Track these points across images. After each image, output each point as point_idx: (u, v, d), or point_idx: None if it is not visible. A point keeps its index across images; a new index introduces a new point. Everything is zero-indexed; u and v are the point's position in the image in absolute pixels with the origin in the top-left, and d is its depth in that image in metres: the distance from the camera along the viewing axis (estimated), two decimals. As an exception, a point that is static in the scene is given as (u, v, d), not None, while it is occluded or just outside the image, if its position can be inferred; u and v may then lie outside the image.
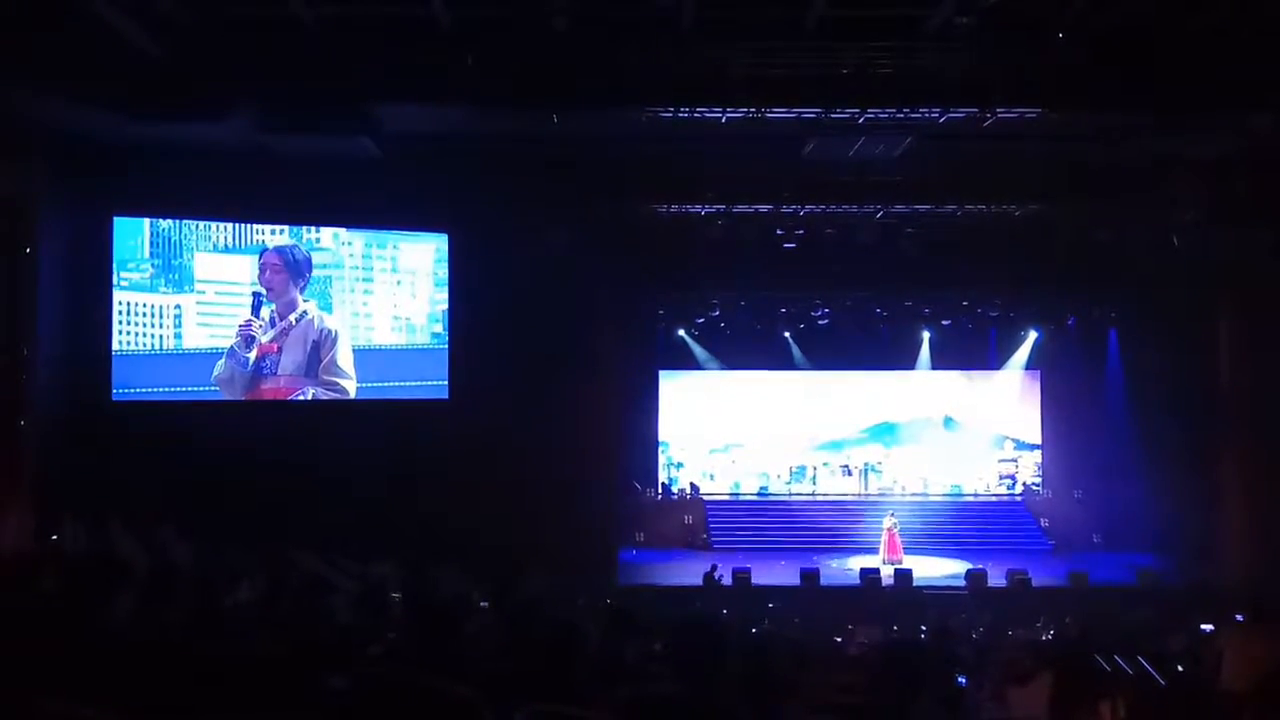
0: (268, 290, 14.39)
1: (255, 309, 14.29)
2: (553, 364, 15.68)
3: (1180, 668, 7.20)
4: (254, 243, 14.43)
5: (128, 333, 13.68)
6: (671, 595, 15.50)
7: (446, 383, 15.43)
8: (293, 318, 14.52)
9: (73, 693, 2.85)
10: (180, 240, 14.01)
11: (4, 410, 12.23)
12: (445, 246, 15.46)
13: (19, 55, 10.06)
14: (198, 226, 14.08)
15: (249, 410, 14.23)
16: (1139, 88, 11.41)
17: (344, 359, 14.82)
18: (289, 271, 14.49)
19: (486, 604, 6.52)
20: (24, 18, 9.60)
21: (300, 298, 14.58)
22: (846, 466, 22.28)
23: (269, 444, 13.49)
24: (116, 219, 13.58)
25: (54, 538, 10.89)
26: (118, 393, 13.53)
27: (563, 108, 11.95)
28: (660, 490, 21.77)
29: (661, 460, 22.09)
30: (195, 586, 4.89)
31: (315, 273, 14.68)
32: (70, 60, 10.43)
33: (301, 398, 14.58)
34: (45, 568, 4.04)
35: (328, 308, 14.79)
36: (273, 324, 14.40)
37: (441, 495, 14.63)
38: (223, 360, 14.15)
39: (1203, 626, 10.55)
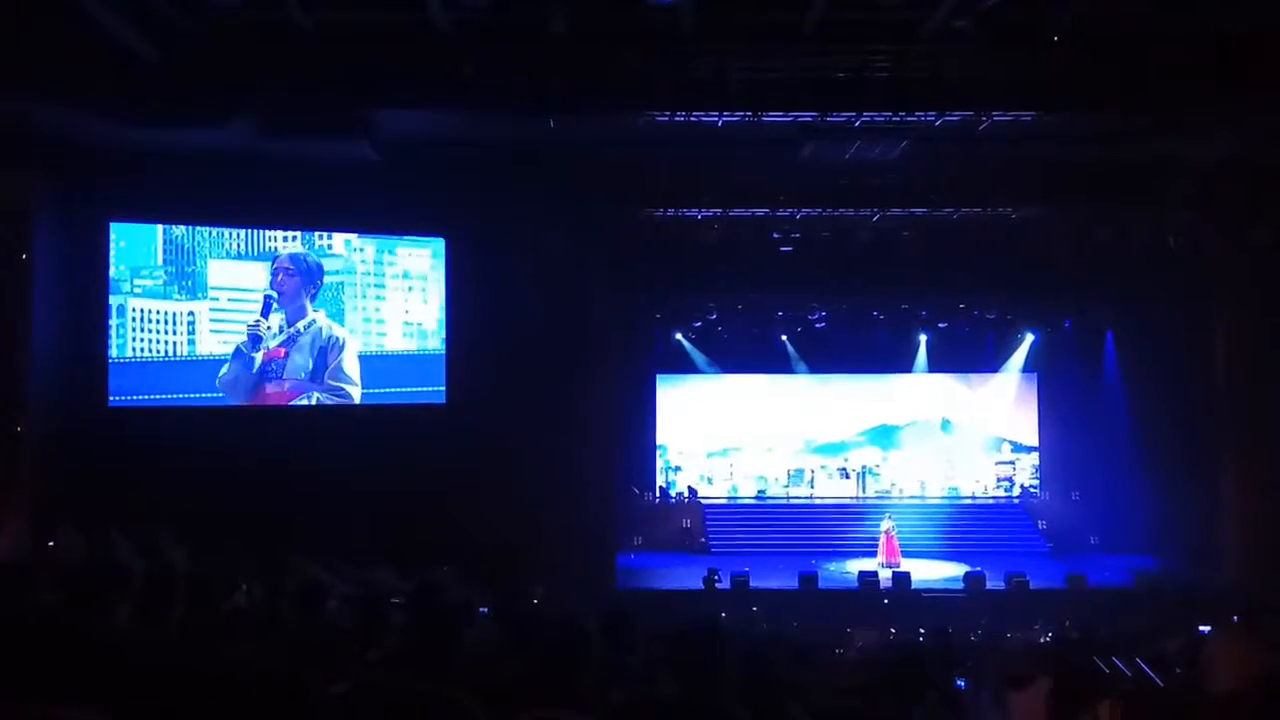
0: (279, 295, 14.48)
1: (265, 311, 14.38)
2: (550, 368, 15.66)
3: (1178, 670, 7.20)
4: (267, 249, 14.53)
5: (141, 339, 13.74)
6: (670, 599, 15.49)
7: (444, 387, 15.46)
8: (301, 324, 14.61)
9: (70, 699, 2.85)
10: (193, 247, 14.09)
11: (0, 416, 12.22)
12: (442, 250, 15.50)
13: (16, 61, 10.05)
14: (210, 233, 14.18)
15: (247, 416, 14.23)
16: (1135, 90, 11.45)
17: (350, 365, 14.91)
18: (301, 278, 14.60)
19: (486, 609, 6.51)
20: (21, 23, 9.59)
21: (310, 305, 14.68)
22: (844, 469, 22.26)
23: (267, 450, 13.47)
24: (117, 225, 13.60)
25: (50, 544, 10.87)
26: (114, 399, 13.54)
27: (560, 111, 11.97)
28: (658, 494, 21.76)
29: (659, 464, 22.07)
30: (192, 592, 4.88)
31: (327, 279, 14.79)
32: (68, 66, 10.43)
33: (306, 402, 14.64)
34: (42, 574, 4.03)
35: (339, 315, 14.88)
36: (281, 329, 14.49)
37: (440, 500, 14.61)
38: (228, 363, 14.20)
39: (1200, 628, 10.54)
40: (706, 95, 11.75)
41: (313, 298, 14.68)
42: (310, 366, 14.63)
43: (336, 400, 14.75)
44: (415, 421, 14.97)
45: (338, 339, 14.80)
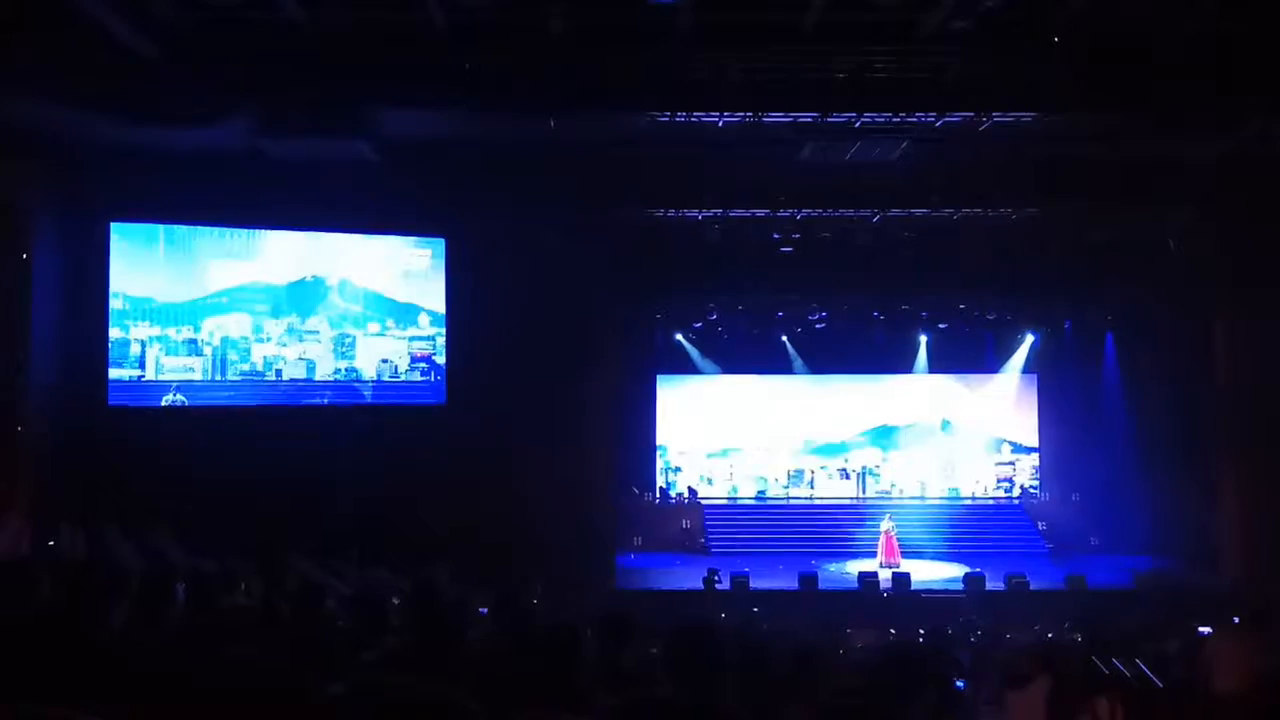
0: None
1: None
2: (550, 368, 15.65)
3: (1177, 670, 7.20)
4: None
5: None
6: (670, 599, 15.48)
7: (444, 387, 15.49)
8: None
9: (70, 699, 2.85)
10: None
11: (0, 417, 12.22)
12: (443, 250, 15.53)
13: (13, 59, 10.05)
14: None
15: (246, 416, 14.25)
16: (1134, 92, 11.44)
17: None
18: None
19: (485, 609, 6.51)
20: (18, 21, 9.59)
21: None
22: (844, 470, 22.26)
23: (266, 450, 13.47)
24: (117, 225, 13.66)
25: (50, 544, 10.87)
26: (114, 399, 13.57)
27: (560, 111, 11.97)
28: (658, 494, 21.75)
29: (659, 464, 22.06)
30: (191, 592, 4.88)
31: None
32: (65, 64, 10.44)
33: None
34: (42, 574, 4.03)
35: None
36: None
37: (440, 500, 14.61)
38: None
39: (1200, 629, 10.54)
40: (706, 95, 11.75)
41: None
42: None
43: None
44: (415, 421, 14.99)
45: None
